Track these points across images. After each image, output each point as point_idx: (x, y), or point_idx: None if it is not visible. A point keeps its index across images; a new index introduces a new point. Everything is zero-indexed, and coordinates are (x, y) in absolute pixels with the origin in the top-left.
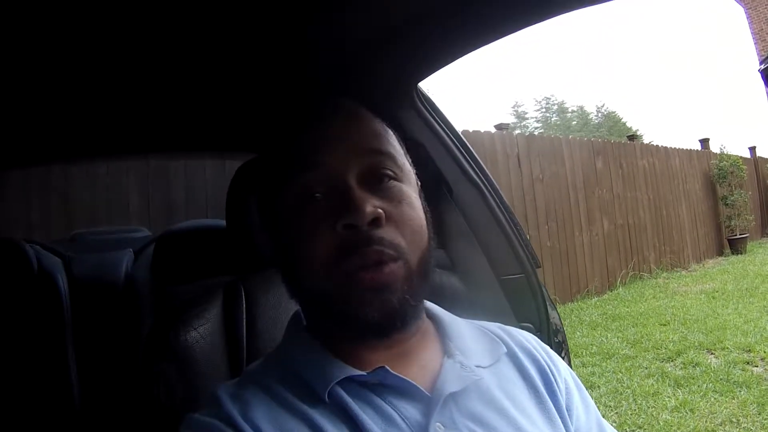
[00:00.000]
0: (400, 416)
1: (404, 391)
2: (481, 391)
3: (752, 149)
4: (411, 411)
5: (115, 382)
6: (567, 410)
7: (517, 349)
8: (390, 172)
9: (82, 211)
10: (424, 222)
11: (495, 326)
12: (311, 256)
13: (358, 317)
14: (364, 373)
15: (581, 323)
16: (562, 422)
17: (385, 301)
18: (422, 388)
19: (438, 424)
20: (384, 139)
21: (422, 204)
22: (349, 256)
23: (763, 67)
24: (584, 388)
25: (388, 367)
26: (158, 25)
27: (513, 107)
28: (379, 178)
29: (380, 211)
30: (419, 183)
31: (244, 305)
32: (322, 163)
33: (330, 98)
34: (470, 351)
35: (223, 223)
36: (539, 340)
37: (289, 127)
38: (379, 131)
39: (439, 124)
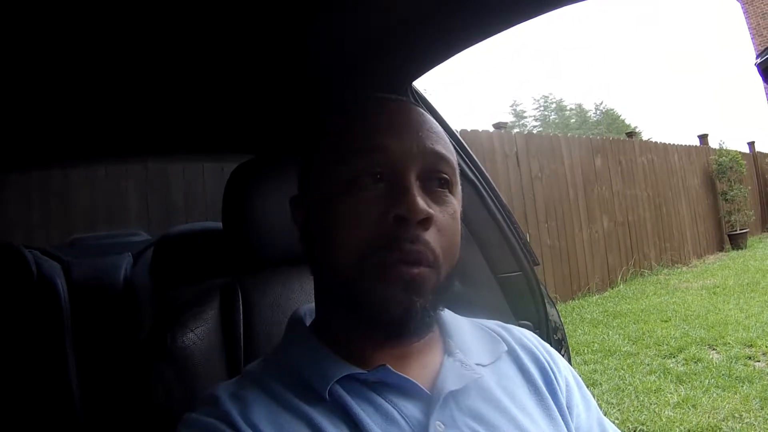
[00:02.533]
0: (401, 415)
1: (405, 389)
2: (482, 389)
3: (751, 144)
4: (411, 409)
5: (115, 386)
6: (567, 408)
7: (517, 347)
8: (446, 180)
9: (81, 214)
10: (459, 238)
11: (495, 324)
12: (350, 238)
13: (381, 312)
14: (364, 371)
15: (582, 321)
16: (563, 420)
17: (411, 303)
18: (422, 387)
19: (438, 422)
20: (448, 147)
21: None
22: (389, 250)
23: (759, 61)
24: (585, 386)
25: (389, 366)
26: (157, 27)
27: (511, 106)
28: (436, 182)
29: (432, 212)
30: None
31: (241, 306)
32: (387, 147)
33: (389, 95)
34: (470, 349)
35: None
36: (539, 338)
37: (350, 108)
38: (443, 136)
39: None
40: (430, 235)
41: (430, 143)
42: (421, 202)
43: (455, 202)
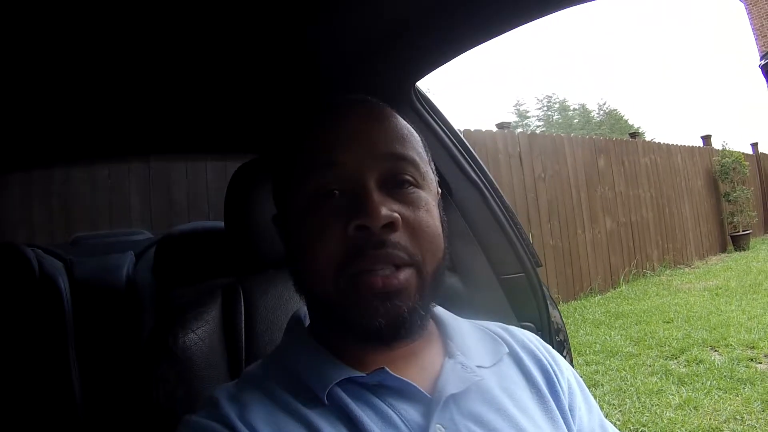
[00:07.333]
0: (400, 418)
1: (404, 392)
2: (483, 391)
3: (754, 145)
4: (411, 412)
5: (117, 385)
6: (570, 410)
7: (519, 349)
8: (410, 179)
9: (83, 213)
10: (441, 231)
11: (497, 326)
12: (318, 257)
13: (363, 324)
14: (363, 374)
15: (584, 321)
16: (565, 422)
17: (394, 308)
18: (422, 390)
19: (438, 425)
20: (408, 144)
21: (440, 213)
22: (357, 259)
23: (763, 62)
24: (587, 389)
25: (387, 369)
26: (159, 26)
27: (515, 106)
28: (398, 183)
29: (396, 215)
30: (440, 191)
31: (243, 307)
32: (340, 162)
33: (354, 96)
34: (471, 351)
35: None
36: (541, 340)
37: (307, 122)
38: (404, 135)
39: (437, 124)
40: (401, 237)
41: (385, 147)
42: (383, 208)
43: (427, 196)
